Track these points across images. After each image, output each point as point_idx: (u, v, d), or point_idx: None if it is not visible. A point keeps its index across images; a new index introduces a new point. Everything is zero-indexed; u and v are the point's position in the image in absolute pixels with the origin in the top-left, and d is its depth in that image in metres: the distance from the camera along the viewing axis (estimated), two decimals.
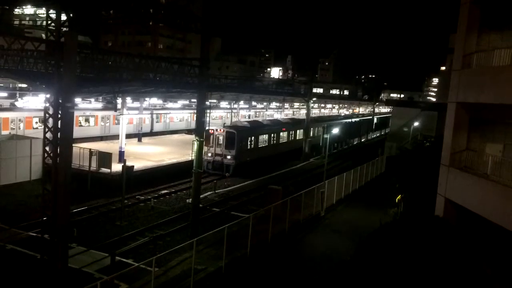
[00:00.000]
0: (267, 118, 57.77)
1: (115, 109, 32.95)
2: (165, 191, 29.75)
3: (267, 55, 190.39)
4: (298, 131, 48.97)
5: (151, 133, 49.35)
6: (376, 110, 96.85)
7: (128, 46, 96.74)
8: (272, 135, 42.67)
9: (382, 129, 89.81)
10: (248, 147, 37.96)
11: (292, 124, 48.95)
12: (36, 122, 36.80)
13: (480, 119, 16.05)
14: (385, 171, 38.57)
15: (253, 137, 38.79)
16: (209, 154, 35.60)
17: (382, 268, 12.50)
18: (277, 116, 67.27)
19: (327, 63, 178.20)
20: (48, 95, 15.55)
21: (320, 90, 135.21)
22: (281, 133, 44.65)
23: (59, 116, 14.49)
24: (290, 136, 47.11)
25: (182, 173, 31.67)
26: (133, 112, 41.96)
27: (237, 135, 35.72)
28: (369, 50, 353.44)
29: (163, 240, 20.53)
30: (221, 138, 35.53)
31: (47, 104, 15.49)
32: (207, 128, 37.37)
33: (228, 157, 35.59)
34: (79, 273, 16.01)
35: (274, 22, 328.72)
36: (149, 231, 21.67)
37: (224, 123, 36.61)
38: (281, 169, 40.80)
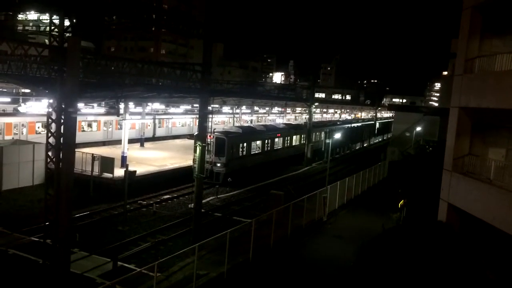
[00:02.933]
0: (262, 124, 57.30)
1: (118, 114, 33.03)
2: (167, 196, 29.74)
3: (269, 60, 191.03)
4: (295, 136, 47.39)
5: (154, 138, 49.45)
6: (378, 115, 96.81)
7: (131, 52, 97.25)
8: (267, 141, 41.00)
9: (384, 134, 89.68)
10: (240, 154, 36.24)
11: (289, 129, 47.46)
12: (39, 127, 36.91)
13: (482, 124, 16.02)
14: (387, 176, 38.47)
15: (245, 144, 36.93)
16: None
17: (385, 273, 12.45)
18: (279, 121, 67.32)
19: (329, 68, 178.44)
20: (51, 100, 15.59)
21: (322, 95, 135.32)
22: (276, 139, 42.95)
23: (62, 121, 14.54)
24: (287, 141, 45.47)
25: (184, 178, 31.70)
26: (135, 117, 42.05)
27: (227, 141, 33.89)
28: (371, 55, 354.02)
29: (165, 245, 20.49)
30: (210, 144, 32.45)
31: (50, 109, 15.55)
32: (196, 133, 36.08)
33: (218, 164, 33.66)
34: (81, 278, 15.99)
35: (276, 27, 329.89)
36: (151, 236, 21.64)
37: (214, 129, 34.19)
38: (282, 174, 40.66)
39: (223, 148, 33.80)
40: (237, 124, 53.88)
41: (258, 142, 39.75)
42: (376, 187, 34.83)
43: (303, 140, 48.79)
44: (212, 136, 32.79)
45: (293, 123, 61.61)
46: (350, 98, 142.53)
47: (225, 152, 33.76)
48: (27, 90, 38.96)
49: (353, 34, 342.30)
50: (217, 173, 33.57)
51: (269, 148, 41.44)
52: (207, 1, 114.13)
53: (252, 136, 39.20)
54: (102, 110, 44.08)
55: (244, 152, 37.00)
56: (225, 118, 62.16)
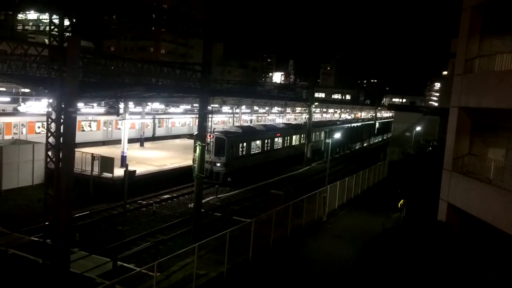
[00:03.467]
0: (261, 123, 57.21)
1: (118, 113, 33.00)
2: (167, 195, 29.73)
3: (269, 60, 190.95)
4: (295, 136, 47.35)
5: (153, 138, 49.42)
6: (378, 114, 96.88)
7: (131, 51, 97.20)
8: (266, 140, 40.98)
9: (384, 134, 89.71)
10: (240, 154, 36.23)
11: (289, 129, 47.49)
12: (39, 127, 36.89)
13: (482, 124, 16.02)
14: (387, 176, 38.49)
15: (245, 143, 36.88)
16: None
17: (384, 272, 12.45)
18: (279, 120, 67.30)
19: (329, 68, 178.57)
20: (50, 100, 15.59)
21: (322, 95, 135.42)
22: (276, 139, 42.93)
23: (62, 121, 14.54)
24: (286, 141, 45.48)
25: (184, 177, 31.70)
26: (135, 117, 42.04)
27: (227, 141, 33.89)
28: (371, 54, 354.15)
29: (165, 245, 20.49)
30: (210, 144, 32.21)
31: (50, 109, 15.54)
32: (195, 133, 35.84)
33: (218, 164, 33.56)
34: (80, 278, 15.99)
35: (276, 27, 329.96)
36: (151, 236, 21.64)
37: (214, 129, 34.11)
38: (282, 174, 40.66)
39: (223, 148, 33.77)
40: (237, 123, 53.88)
41: (258, 142, 39.68)
42: (376, 187, 34.83)
43: (303, 140, 48.79)
44: (212, 136, 32.67)
45: (292, 123, 61.57)
46: (350, 98, 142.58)
47: (224, 152, 33.73)
48: (27, 90, 38.97)
49: (353, 34, 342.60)
50: (216, 173, 33.55)
51: (269, 148, 41.36)
52: (207, 1, 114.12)
53: (252, 136, 39.13)
54: (101, 109, 44.06)
55: (244, 152, 36.92)
56: (225, 117, 62.16)
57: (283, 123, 53.56)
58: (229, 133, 35.88)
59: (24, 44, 18.01)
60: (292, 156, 46.23)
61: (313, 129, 50.24)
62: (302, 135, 48.72)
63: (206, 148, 32.48)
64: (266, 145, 40.96)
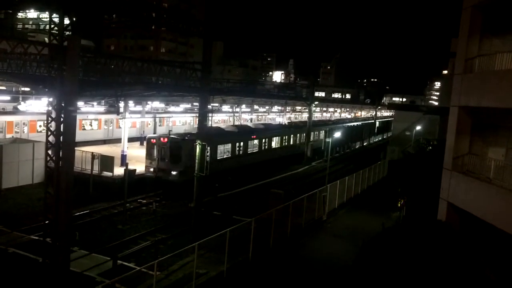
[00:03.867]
0: (233, 124, 54.17)
1: (118, 112, 33.00)
2: None
3: (269, 59, 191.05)
4: (276, 138, 42.48)
5: None
6: (378, 114, 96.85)
7: (131, 50, 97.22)
8: (238, 144, 35.92)
9: (384, 133, 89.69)
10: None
11: (269, 130, 42.71)
12: (40, 126, 36.90)
13: (482, 123, 16.02)
14: (387, 175, 38.46)
15: (208, 148, 30.58)
16: (151, 169, 29.17)
17: (384, 272, 12.46)
18: (279, 120, 67.34)
19: (329, 67, 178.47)
20: (50, 99, 15.59)
21: (322, 94, 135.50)
22: (249, 142, 37.94)
23: (62, 119, 14.54)
24: (264, 144, 40.39)
25: None
26: (135, 116, 42.00)
27: (184, 146, 28.60)
28: (371, 54, 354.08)
29: (165, 244, 20.51)
30: (165, 149, 28.80)
31: (50, 108, 15.54)
32: (149, 136, 31.07)
33: (174, 173, 28.47)
34: (80, 276, 15.99)
35: (276, 26, 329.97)
36: (151, 234, 21.65)
37: (170, 131, 30.21)
38: (281, 174, 40.53)
39: (179, 154, 28.94)
40: (237, 122, 53.83)
41: (227, 146, 34.91)
42: (376, 186, 34.81)
43: (285, 143, 45.01)
44: (165, 139, 29.10)
45: (273, 123, 59.48)
46: (350, 97, 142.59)
47: (181, 159, 28.81)
48: (27, 89, 38.96)
49: (353, 33, 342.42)
50: (171, 182, 28.91)
51: (241, 152, 36.96)
52: (207, 0, 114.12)
53: (217, 139, 33.46)
54: (101, 108, 44.08)
55: (207, 158, 32.25)
56: (225, 116, 62.14)
57: (262, 123, 50.90)
58: (187, 136, 30.59)
59: (24, 42, 18.01)
60: (274, 160, 42.05)
61: (314, 128, 49.94)
62: (284, 137, 44.96)
63: (160, 153, 28.46)
64: (237, 149, 36.35)
